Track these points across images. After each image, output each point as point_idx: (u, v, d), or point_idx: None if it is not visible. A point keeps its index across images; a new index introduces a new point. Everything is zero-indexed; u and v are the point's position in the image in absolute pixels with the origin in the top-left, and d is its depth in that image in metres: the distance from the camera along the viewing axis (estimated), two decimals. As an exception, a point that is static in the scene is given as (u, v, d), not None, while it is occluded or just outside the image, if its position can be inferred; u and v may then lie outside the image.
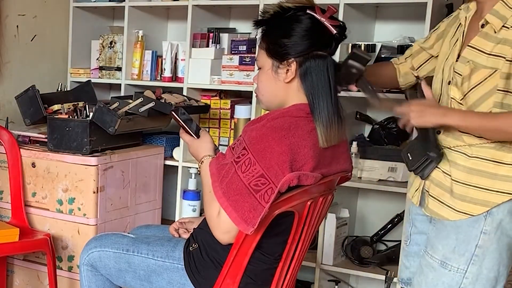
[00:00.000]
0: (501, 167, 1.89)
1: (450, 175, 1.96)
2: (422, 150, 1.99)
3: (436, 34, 2.19)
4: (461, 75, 1.92)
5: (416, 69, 2.25)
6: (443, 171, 1.98)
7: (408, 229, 2.20)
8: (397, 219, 3.07)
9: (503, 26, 1.86)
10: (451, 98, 1.95)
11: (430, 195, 2.02)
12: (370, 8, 3.09)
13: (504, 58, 1.84)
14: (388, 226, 3.11)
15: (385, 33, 3.13)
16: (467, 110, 1.91)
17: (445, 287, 1.97)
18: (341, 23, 1.97)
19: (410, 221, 2.18)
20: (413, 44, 2.32)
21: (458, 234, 1.94)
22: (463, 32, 1.98)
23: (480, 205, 1.90)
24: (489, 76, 1.86)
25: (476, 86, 1.89)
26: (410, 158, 2.04)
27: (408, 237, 2.20)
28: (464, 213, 1.92)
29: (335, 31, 1.95)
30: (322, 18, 1.94)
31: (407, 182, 2.83)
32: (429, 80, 2.15)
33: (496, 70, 1.85)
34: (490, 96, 1.86)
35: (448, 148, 1.98)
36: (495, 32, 1.87)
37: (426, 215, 2.06)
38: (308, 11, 1.95)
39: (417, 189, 2.09)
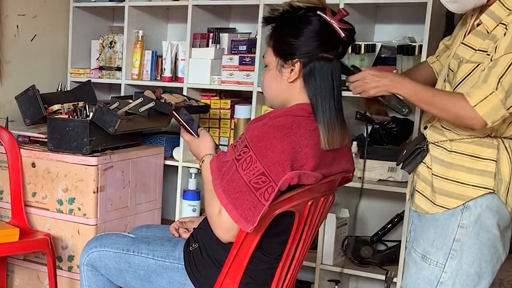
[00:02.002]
0: (478, 162, 1.91)
1: (431, 169, 1.98)
2: (412, 146, 2.04)
3: (454, 33, 2.20)
4: (452, 71, 1.95)
5: None
6: (427, 166, 2.01)
7: (409, 226, 2.22)
8: (397, 219, 3.06)
9: (497, 25, 1.86)
10: None
11: (416, 190, 2.06)
12: (370, 8, 3.09)
13: (486, 52, 1.86)
14: (388, 226, 3.11)
15: (385, 33, 3.13)
16: (420, 84, 1.95)
17: (425, 281, 1.98)
18: (350, 27, 1.96)
19: (410, 218, 2.21)
20: (414, 44, 2.32)
21: (436, 227, 1.96)
22: (465, 32, 2.00)
23: (455, 198, 1.92)
24: (472, 71, 1.88)
25: (462, 80, 1.91)
26: (403, 154, 2.10)
27: (409, 233, 2.22)
28: (441, 206, 1.95)
29: (343, 35, 1.93)
30: (331, 20, 1.92)
31: (407, 182, 2.84)
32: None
33: (479, 64, 1.87)
34: None
35: (432, 143, 2.00)
36: (488, 32, 1.88)
37: (416, 210, 2.08)
38: (318, 12, 1.93)
39: (410, 185, 2.14)
